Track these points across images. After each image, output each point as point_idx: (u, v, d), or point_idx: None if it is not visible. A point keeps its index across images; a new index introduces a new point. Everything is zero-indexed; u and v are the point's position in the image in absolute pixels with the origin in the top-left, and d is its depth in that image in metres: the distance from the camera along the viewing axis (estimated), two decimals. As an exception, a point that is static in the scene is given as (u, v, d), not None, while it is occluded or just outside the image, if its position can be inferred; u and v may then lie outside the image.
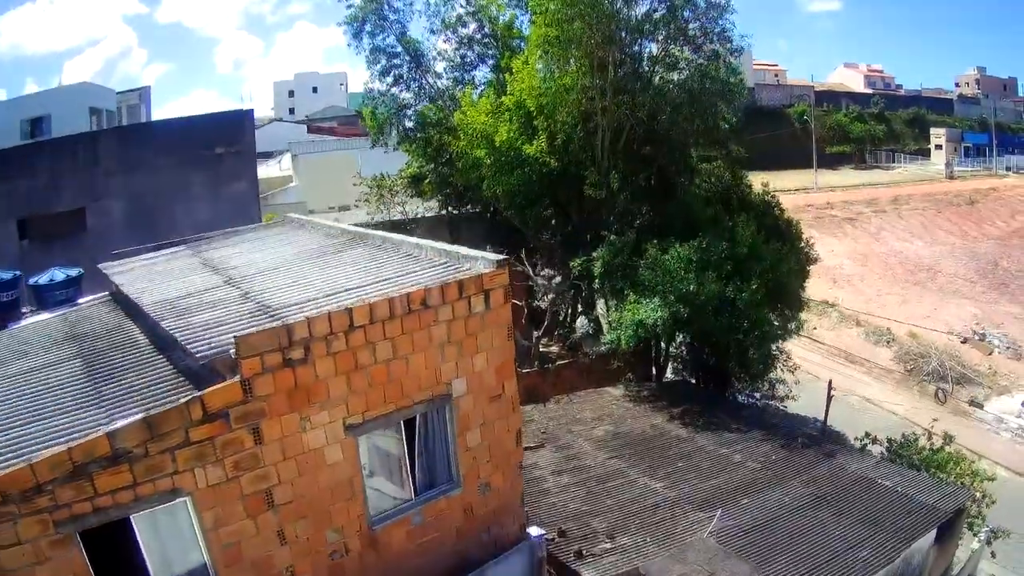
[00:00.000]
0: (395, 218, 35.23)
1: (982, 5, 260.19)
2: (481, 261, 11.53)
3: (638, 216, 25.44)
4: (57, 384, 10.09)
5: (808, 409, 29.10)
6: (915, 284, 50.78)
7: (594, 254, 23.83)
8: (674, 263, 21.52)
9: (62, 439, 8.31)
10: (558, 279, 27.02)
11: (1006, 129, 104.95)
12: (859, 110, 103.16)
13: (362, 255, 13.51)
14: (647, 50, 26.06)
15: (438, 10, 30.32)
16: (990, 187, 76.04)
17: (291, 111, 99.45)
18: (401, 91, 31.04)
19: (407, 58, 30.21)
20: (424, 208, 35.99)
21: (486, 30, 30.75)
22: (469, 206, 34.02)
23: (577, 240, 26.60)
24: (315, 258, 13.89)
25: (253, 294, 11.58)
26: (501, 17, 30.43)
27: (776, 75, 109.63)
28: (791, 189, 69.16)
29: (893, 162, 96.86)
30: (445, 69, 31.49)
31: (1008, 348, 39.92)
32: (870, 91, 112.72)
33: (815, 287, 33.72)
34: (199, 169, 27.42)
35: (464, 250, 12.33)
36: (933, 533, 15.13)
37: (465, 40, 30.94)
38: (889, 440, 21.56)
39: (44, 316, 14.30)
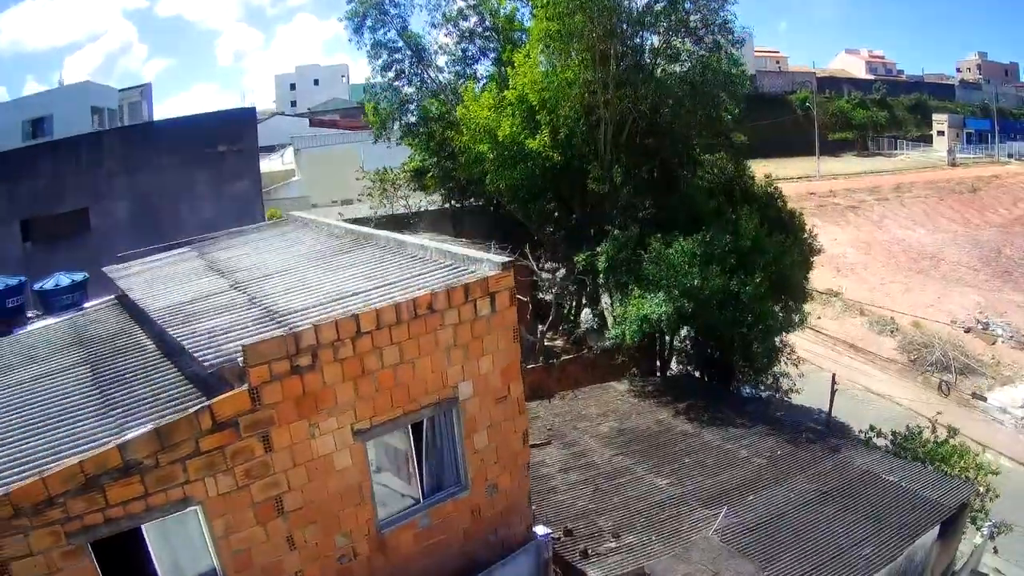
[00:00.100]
0: (398, 212, 35.28)
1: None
2: (486, 263, 11.54)
3: (641, 209, 25.43)
4: (66, 392, 10.14)
5: (813, 400, 29.17)
6: (918, 272, 50.77)
7: (598, 249, 23.84)
8: (678, 257, 21.52)
9: (73, 450, 8.38)
10: (562, 271, 27.04)
11: (1008, 115, 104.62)
12: (861, 96, 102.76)
13: (367, 257, 13.52)
14: (648, 42, 26.00)
15: (439, 4, 30.39)
16: (992, 174, 75.83)
17: (293, 104, 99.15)
18: (403, 86, 31.08)
19: (408, 53, 30.19)
20: (427, 201, 36.04)
21: (487, 23, 30.74)
22: (472, 199, 34.05)
23: (581, 234, 26.60)
24: (320, 260, 13.90)
25: (259, 299, 11.60)
26: (502, 10, 30.43)
27: (777, 62, 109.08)
28: (794, 177, 69.09)
29: (895, 149, 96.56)
30: (447, 63, 31.54)
31: (1011, 337, 39.96)
32: (871, 77, 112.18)
33: (819, 276, 33.69)
34: (202, 168, 27.47)
35: (469, 252, 12.35)
36: (936, 529, 15.17)
37: (466, 34, 30.93)
38: (893, 433, 21.58)
39: (50, 321, 14.34)
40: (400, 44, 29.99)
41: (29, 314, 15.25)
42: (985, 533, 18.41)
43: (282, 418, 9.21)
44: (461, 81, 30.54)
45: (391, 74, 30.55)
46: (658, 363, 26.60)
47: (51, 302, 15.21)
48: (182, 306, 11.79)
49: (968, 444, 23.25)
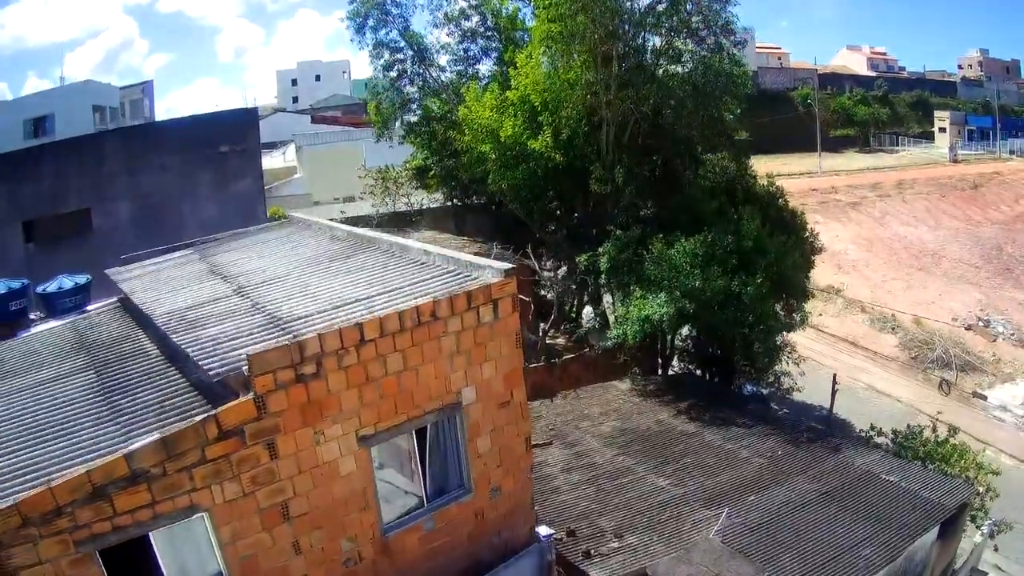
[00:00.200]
0: (400, 210, 35.34)
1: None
2: (489, 270, 11.60)
3: (643, 209, 25.47)
4: (71, 398, 10.22)
5: (814, 396, 29.32)
6: (919, 270, 50.80)
7: (600, 249, 23.89)
8: (680, 258, 21.57)
9: (80, 459, 8.46)
10: (563, 269, 27.09)
11: (1009, 112, 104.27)
12: (863, 93, 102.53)
13: (370, 262, 13.56)
14: (650, 43, 26.01)
15: (440, 4, 30.46)
16: (994, 171, 75.77)
17: (294, 100, 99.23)
18: (404, 85, 31.11)
19: (410, 52, 30.26)
20: (429, 199, 36.08)
21: (489, 23, 30.78)
22: (474, 198, 34.08)
23: (582, 234, 26.66)
24: (322, 264, 13.95)
25: (262, 305, 11.66)
26: (504, 10, 30.43)
27: (779, 58, 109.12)
28: (796, 173, 69.20)
29: (897, 145, 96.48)
30: (448, 63, 31.63)
31: (1012, 335, 40.01)
32: (873, 74, 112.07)
33: (820, 273, 33.83)
34: (204, 168, 27.53)
35: (472, 258, 12.40)
36: (936, 529, 15.25)
37: (468, 33, 30.99)
38: (894, 432, 21.68)
39: (53, 324, 14.39)
40: (402, 44, 30.07)
41: (32, 316, 15.33)
42: (985, 532, 18.52)
43: (287, 426, 9.29)
44: (463, 81, 30.58)
45: (393, 74, 30.64)
46: (659, 362, 26.66)
47: (54, 305, 15.28)
48: (185, 311, 11.86)
49: (968, 442, 23.34)
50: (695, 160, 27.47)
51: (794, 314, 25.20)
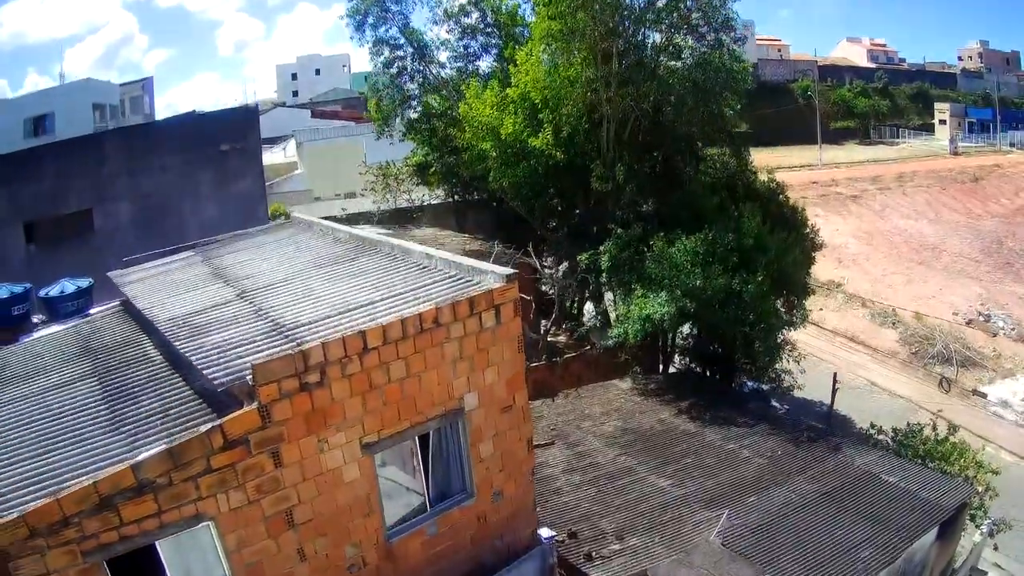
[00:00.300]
0: (401, 206, 35.35)
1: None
2: (491, 275, 11.62)
3: (644, 206, 25.48)
4: (76, 406, 10.24)
5: (814, 393, 29.39)
6: (920, 263, 50.85)
7: (601, 248, 23.91)
8: (681, 256, 21.61)
9: (86, 468, 8.51)
10: (565, 266, 27.13)
11: (1010, 104, 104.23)
12: (863, 85, 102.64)
13: (372, 265, 13.58)
14: (650, 40, 25.99)
15: (440, 0, 30.29)
16: (994, 163, 75.77)
17: (294, 94, 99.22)
18: (405, 82, 31.09)
19: (410, 49, 30.25)
20: (430, 195, 36.07)
21: (489, 19, 30.75)
22: (476, 194, 34.09)
23: (583, 231, 26.67)
24: (326, 268, 13.97)
25: (266, 310, 11.69)
26: (504, 6, 30.39)
27: (779, 50, 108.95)
28: (796, 165, 69.27)
29: (897, 137, 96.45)
30: (448, 59, 31.61)
31: (1013, 330, 40.05)
32: (873, 65, 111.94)
33: (820, 268, 33.86)
34: (205, 168, 27.48)
35: (474, 262, 12.41)
36: (936, 530, 15.33)
37: (468, 30, 30.94)
38: (894, 430, 21.74)
39: (55, 328, 14.38)
40: (402, 41, 30.05)
41: (34, 320, 15.33)
42: (984, 531, 18.59)
43: (291, 434, 9.34)
44: (463, 77, 30.54)
45: (393, 70, 30.62)
46: (661, 360, 26.70)
47: (56, 309, 15.23)
48: (189, 317, 11.88)
49: (968, 439, 23.41)
50: (695, 156, 27.51)
51: (795, 311, 25.23)
